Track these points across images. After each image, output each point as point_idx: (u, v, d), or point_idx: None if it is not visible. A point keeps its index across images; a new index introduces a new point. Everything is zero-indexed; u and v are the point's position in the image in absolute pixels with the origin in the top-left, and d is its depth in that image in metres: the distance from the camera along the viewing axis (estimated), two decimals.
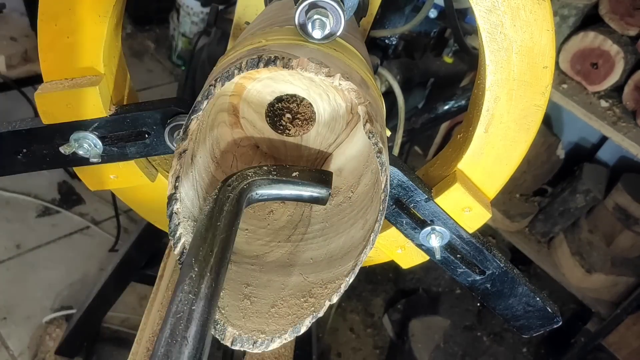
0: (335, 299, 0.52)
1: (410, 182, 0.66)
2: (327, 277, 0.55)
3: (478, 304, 2.44)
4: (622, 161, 2.42)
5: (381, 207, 0.51)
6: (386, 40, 1.41)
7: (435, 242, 0.68)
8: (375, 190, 0.54)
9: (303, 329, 0.51)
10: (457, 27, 1.26)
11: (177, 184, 0.51)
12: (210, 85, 0.49)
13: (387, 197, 0.51)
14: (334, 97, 0.58)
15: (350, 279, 0.53)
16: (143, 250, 1.61)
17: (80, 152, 0.67)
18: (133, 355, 0.84)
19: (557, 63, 2.06)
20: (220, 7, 2.16)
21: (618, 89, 2.01)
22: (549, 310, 0.71)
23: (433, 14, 1.53)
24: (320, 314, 0.51)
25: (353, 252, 0.54)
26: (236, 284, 0.54)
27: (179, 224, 0.52)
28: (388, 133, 0.64)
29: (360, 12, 0.78)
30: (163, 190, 0.77)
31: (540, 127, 0.63)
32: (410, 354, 2.22)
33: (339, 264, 0.55)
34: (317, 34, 0.53)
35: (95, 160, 0.68)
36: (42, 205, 2.43)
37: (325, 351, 2.29)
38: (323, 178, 0.56)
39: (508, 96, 0.61)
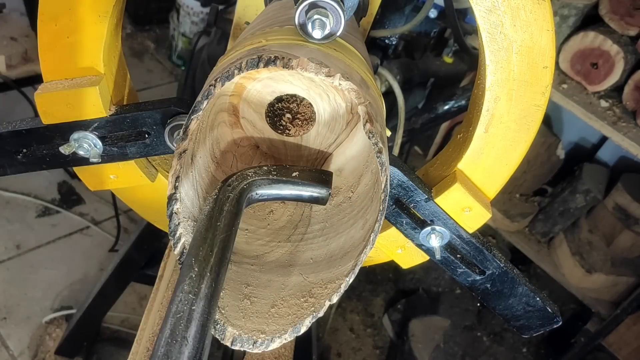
0: (335, 299, 0.52)
1: (410, 182, 0.66)
2: (327, 277, 0.54)
3: (478, 304, 2.44)
4: (622, 161, 2.42)
5: (381, 207, 0.51)
6: (386, 40, 1.41)
7: (435, 242, 0.68)
8: (375, 190, 0.54)
9: (303, 329, 0.51)
10: (457, 27, 1.26)
11: (177, 184, 0.51)
12: (210, 85, 0.49)
13: (387, 197, 0.51)
14: (334, 97, 0.58)
15: (350, 279, 0.53)
16: (143, 250, 1.61)
17: (80, 152, 0.67)
18: (133, 355, 0.84)
19: (557, 63, 2.06)
20: (220, 7, 2.16)
21: (618, 89, 2.01)
22: (549, 310, 0.71)
23: (433, 14, 1.53)
24: (320, 314, 0.51)
25: (353, 252, 0.54)
26: (236, 284, 0.54)
27: (179, 224, 0.52)
28: (388, 133, 0.64)
29: (360, 12, 0.78)
30: (163, 190, 0.77)
31: (540, 127, 0.63)
32: (410, 354, 2.22)
33: (339, 264, 0.55)
34: (317, 34, 0.53)
35: (95, 160, 0.68)
36: (42, 205, 2.43)
37: (325, 351, 2.29)
38: (323, 178, 0.56)
39: (508, 96, 0.61)
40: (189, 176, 0.54)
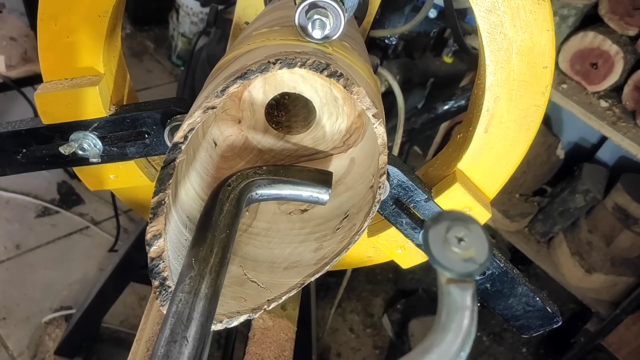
0: (272, 305, 0.53)
1: (410, 182, 0.66)
2: (267, 281, 0.55)
3: (478, 304, 2.43)
4: (621, 161, 2.42)
5: (348, 246, 0.51)
6: (386, 40, 1.41)
7: None
8: (338, 225, 0.55)
9: (234, 323, 0.52)
10: (457, 27, 1.26)
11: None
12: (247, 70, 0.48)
13: (358, 237, 0.52)
14: (337, 115, 0.58)
15: (293, 292, 0.53)
16: (143, 250, 1.60)
17: (80, 152, 0.67)
18: (133, 355, 0.84)
19: (556, 63, 2.06)
20: (220, 7, 2.16)
21: (618, 89, 2.01)
22: (549, 310, 0.71)
23: (433, 14, 1.53)
24: (255, 316, 0.52)
25: (301, 269, 0.54)
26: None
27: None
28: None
29: (360, 12, 0.78)
30: None
31: (540, 127, 0.63)
32: None
33: (281, 275, 0.55)
34: (317, 34, 0.53)
35: (95, 160, 0.68)
36: (41, 205, 2.42)
37: (325, 351, 2.29)
38: (323, 178, 0.56)
39: (508, 96, 0.61)
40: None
